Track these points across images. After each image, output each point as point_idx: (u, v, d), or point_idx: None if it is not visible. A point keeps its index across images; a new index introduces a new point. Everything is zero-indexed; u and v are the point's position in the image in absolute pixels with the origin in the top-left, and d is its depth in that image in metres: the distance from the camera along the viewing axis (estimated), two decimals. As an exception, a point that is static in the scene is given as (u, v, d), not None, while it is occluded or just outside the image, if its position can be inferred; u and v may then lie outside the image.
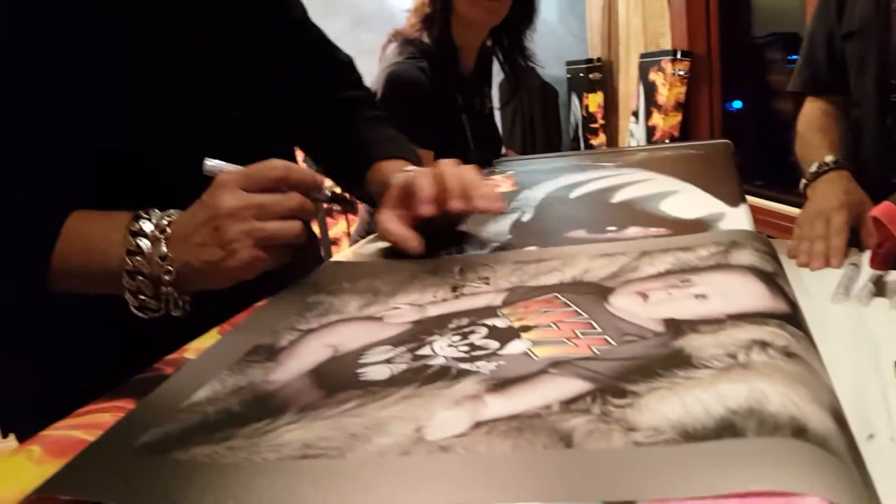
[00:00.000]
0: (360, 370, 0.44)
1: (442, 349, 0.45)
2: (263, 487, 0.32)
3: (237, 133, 0.70)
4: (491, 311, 0.51)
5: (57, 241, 0.56)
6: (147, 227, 0.56)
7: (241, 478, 0.33)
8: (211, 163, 0.61)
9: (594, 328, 0.45)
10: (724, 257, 0.54)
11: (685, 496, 0.26)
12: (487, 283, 0.58)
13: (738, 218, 0.67)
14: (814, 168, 0.93)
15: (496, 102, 1.59)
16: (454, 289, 0.57)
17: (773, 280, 0.48)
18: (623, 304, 0.48)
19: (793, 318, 0.42)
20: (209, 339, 0.54)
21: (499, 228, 0.76)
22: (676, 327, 0.42)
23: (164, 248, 0.55)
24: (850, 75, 1.06)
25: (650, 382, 0.36)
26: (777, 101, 2.60)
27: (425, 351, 0.45)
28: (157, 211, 0.57)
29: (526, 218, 0.80)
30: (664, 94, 2.79)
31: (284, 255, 0.59)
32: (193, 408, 0.42)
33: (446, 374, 0.41)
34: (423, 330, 0.49)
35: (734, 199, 0.74)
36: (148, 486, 0.34)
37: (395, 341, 0.48)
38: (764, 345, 0.37)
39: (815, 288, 0.71)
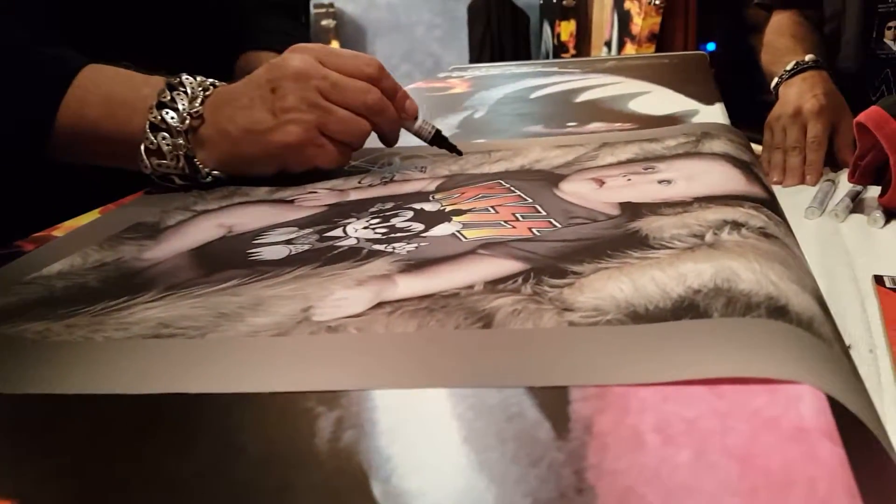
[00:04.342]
0: (252, 250, 0.36)
1: (356, 231, 0.38)
2: (98, 368, 0.25)
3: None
4: (422, 196, 0.43)
5: (68, 88, 0.47)
6: (189, 82, 0.47)
7: (74, 357, 0.26)
8: None
9: (538, 212, 0.38)
10: (693, 147, 0.47)
11: (630, 382, 0.20)
12: (423, 171, 0.50)
13: (712, 114, 0.60)
14: (790, 66, 0.85)
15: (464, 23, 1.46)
16: (384, 176, 0.49)
17: (749, 168, 0.41)
18: (575, 189, 0.41)
19: (771, 203, 0.35)
20: (87, 218, 0.46)
21: (445, 124, 0.68)
22: (634, 210, 0.35)
23: (200, 106, 0.47)
24: None
25: (597, 263, 0.29)
26: (753, 39, 2.52)
27: (336, 233, 0.38)
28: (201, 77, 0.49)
29: (478, 115, 0.72)
30: (638, 24, 2.68)
31: (341, 156, 0.49)
32: (38, 281, 0.34)
33: (355, 255, 0.34)
34: (339, 213, 0.41)
35: (709, 99, 0.66)
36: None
37: (302, 223, 0.40)
38: (737, 224, 0.31)
39: (785, 201, 0.65)
